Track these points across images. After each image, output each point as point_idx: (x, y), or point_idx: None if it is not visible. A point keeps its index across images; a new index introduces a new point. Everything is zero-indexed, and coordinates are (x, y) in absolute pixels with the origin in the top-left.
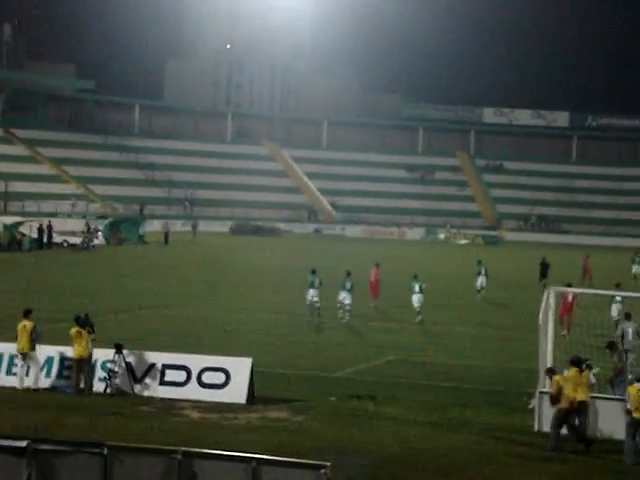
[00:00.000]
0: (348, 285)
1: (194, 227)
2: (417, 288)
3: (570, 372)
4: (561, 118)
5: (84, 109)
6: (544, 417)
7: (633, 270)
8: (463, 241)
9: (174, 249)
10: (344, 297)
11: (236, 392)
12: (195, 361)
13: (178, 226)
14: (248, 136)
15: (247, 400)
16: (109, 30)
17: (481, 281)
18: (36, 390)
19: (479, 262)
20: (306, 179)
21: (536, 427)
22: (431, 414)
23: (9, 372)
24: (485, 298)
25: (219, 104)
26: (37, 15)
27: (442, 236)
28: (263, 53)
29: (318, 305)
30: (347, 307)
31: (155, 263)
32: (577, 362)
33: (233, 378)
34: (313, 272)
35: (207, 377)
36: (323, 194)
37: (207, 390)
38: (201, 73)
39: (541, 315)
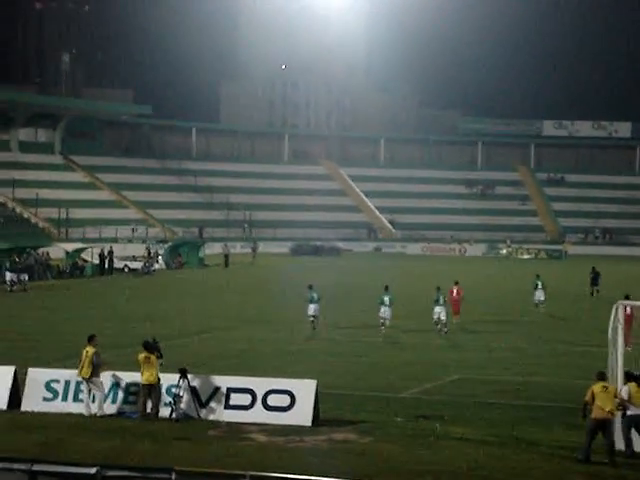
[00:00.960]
0: (387, 300)
1: (254, 249)
2: (441, 300)
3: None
4: (623, 128)
5: (142, 134)
6: (616, 435)
7: None
8: (526, 256)
9: (234, 271)
10: (384, 311)
11: (301, 414)
12: (260, 384)
13: (237, 248)
14: (305, 156)
15: (313, 422)
16: (164, 55)
17: (538, 295)
18: (102, 416)
19: (537, 276)
20: (364, 197)
21: None
22: (499, 433)
23: (76, 399)
24: (545, 312)
25: (275, 125)
26: (94, 43)
27: (504, 251)
28: (318, 72)
29: (315, 320)
30: (387, 321)
31: (216, 286)
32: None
33: (298, 400)
34: (310, 287)
35: (272, 400)
36: (382, 212)
37: (272, 413)
38: (257, 94)
39: (610, 330)
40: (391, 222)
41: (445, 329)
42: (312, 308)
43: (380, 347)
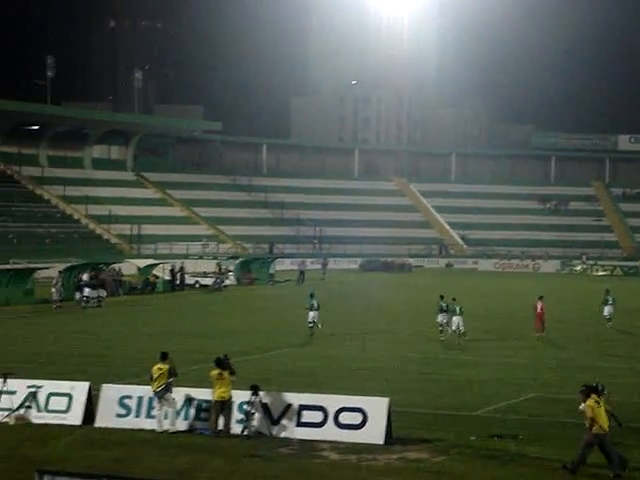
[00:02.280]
0: (444, 306)
1: (324, 265)
2: (458, 310)
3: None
4: None
5: (212, 150)
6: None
7: None
8: (601, 273)
9: (304, 287)
10: (442, 319)
11: (374, 432)
12: (332, 401)
13: (307, 264)
14: (375, 171)
15: (385, 441)
16: (235, 71)
17: (608, 310)
18: (174, 433)
19: (607, 291)
20: (435, 213)
21: None
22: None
23: (149, 415)
24: (614, 328)
25: (346, 140)
26: (166, 60)
27: (579, 268)
28: (389, 87)
29: (318, 325)
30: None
31: (286, 302)
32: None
33: (370, 418)
34: (312, 295)
35: (344, 417)
36: (453, 228)
37: (344, 431)
38: (327, 109)
39: None
40: (462, 238)
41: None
42: (311, 315)
43: (454, 364)
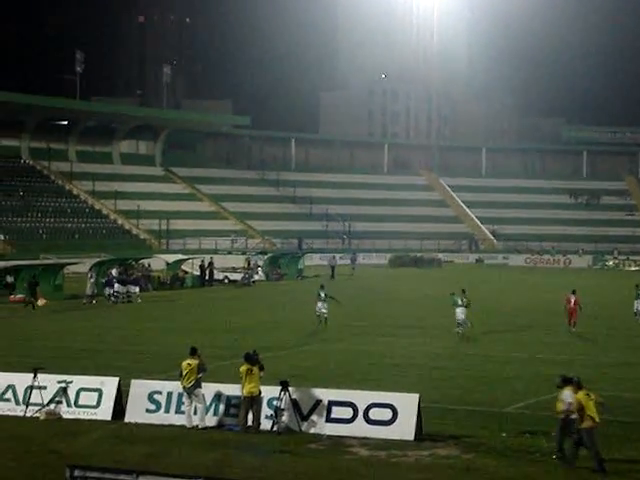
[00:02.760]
0: (459, 301)
1: (353, 260)
2: (459, 302)
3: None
4: None
5: (241, 145)
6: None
7: None
8: (633, 267)
9: (338, 282)
10: (459, 313)
11: (404, 429)
12: (361, 397)
13: (337, 259)
14: (405, 166)
15: (415, 437)
16: (263, 66)
17: (637, 305)
18: (204, 429)
19: (636, 286)
20: (465, 208)
21: None
22: (608, 450)
23: (178, 410)
24: None
25: (375, 134)
26: (194, 55)
27: (611, 263)
28: (418, 81)
29: (326, 316)
30: (459, 321)
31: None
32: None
33: (400, 414)
34: (322, 287)
35: (374, 413)
36: (483, 223)
37: (374, 427)
38: (356, 104)
39: None
40: (493, 233)
41: (460, 330)
42: (319, 305)
43: (484, 361)
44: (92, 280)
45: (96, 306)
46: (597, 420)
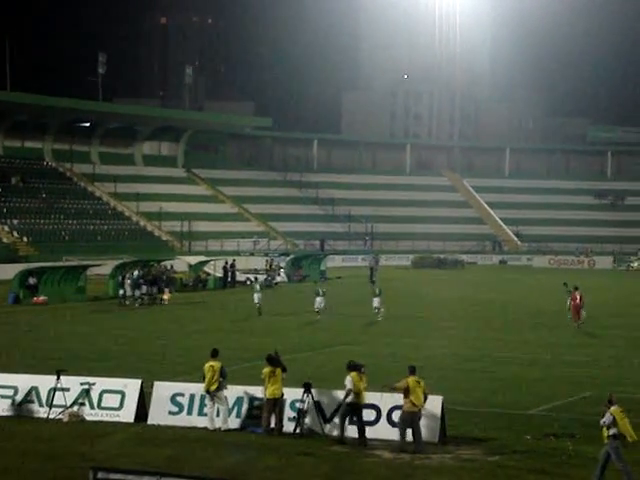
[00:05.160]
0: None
1: (376, 261)
2: (377, 291)
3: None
4: None
5: (263, 146)
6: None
7: None
8: None
9: (350, 283)
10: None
11: (427, 431)
12: (385, 399)
13: (359, 261)
14: (427, 167)
15: (439, 439)
16: (285, 67)
17: None
18: (226, 431)
19: None
20: (489, 209)
21: None
22: (636, 454)
23: (200, 413)
24: None
25: (397, 135)
26: (216, 56)
27: (636, 264)
28: (441, 81)
29: (323, 308)
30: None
31: (338, 299)
32: None
33: (424, 417)
34: (319, 284)
35: (397, 416)
36: (507, 224)
37: (397, 429)
38: (378, 104)
39: None
40: (516, 234)
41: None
42: (318, 301)
43: (508, 363)
44: (128, 282)
45: (118, 308)
46: (417, 407)
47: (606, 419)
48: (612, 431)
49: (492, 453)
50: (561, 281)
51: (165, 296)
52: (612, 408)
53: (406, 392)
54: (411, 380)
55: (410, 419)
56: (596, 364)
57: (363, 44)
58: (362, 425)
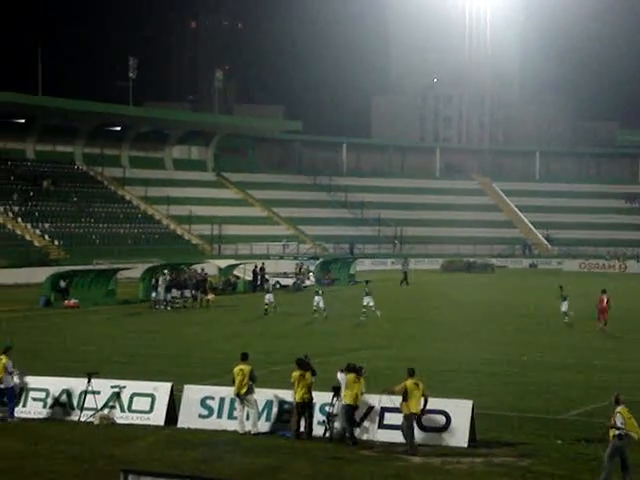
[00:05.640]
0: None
1: (407, 265)
2: (366, 289)
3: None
4: None
5: (292, 150)
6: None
7: None
8: None
9: (379, 287)
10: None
11: (457, 435)
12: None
13: (388, 265)
14: (457, 171)
15: (469, 443)
16: (315, 70)
17: None
18: (256, 434)
19: None
20: (519, 212)
21: None
22: None
23: (230, 416)
24: None
25: (427, 139)
26: (246, 60)
27: None
28: (471, 84)
29: (322, 307)
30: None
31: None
32: None
33: (454, 421)
34: (317, 285)
35: (427, 420)
36: (537, 227)
37: (427, 433)
38: (408, 108)
39: None
40: (547, 238)
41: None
42: (316, 299)
43: (538, 367)
44: (161, 285)
45: (149, 311)
46: (414, 411)
47: (619, 421)
48: (618, 431)
49: (523, 457)
50: (595, 285)
51: (209, 296)
52: (619, 408)
53: (404, 395)
54: (409, 383)
55: (408, 421)
56: (625, 369)
57: (393, 48)
58: (353, 425)
